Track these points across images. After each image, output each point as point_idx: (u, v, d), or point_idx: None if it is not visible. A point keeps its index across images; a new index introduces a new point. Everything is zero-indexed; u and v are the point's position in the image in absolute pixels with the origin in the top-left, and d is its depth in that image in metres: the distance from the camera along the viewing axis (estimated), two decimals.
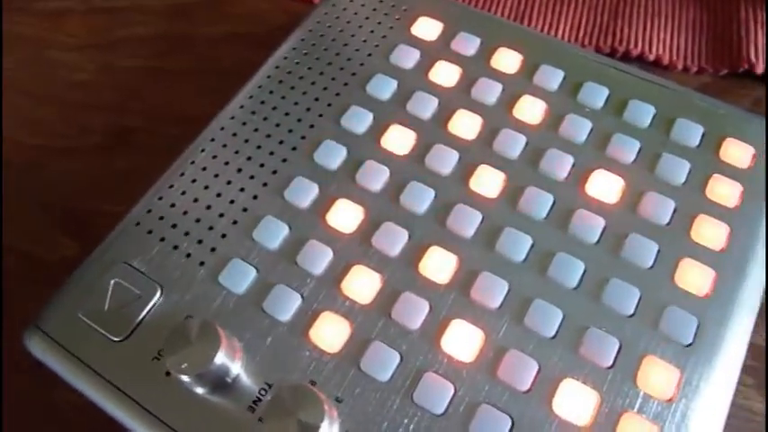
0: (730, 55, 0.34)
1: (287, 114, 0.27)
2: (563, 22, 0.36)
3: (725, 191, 0.24)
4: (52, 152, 0.33)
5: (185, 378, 0.20)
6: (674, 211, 0.24)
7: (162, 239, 0.24)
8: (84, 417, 0.26)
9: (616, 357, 0.21)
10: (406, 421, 0.20)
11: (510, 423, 0.20)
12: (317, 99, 0.27)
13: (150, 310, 0.22)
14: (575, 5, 0.36)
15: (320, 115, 0.26)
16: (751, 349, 0.26)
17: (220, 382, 0.21)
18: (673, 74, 0.34)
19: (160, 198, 0.25)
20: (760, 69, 0.33)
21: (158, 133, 0.33)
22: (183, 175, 0.25)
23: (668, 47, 0.34)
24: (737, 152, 0.25)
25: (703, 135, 0.26)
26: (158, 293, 0.23)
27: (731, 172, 0.25)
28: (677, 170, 0.25)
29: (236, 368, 0.21)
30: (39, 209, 0.31)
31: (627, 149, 0.25)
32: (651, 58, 0.34)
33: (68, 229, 0.30)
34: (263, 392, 0.21)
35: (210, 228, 0.24)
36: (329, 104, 0.27)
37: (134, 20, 0.37)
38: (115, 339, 0.22)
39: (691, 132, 0.25)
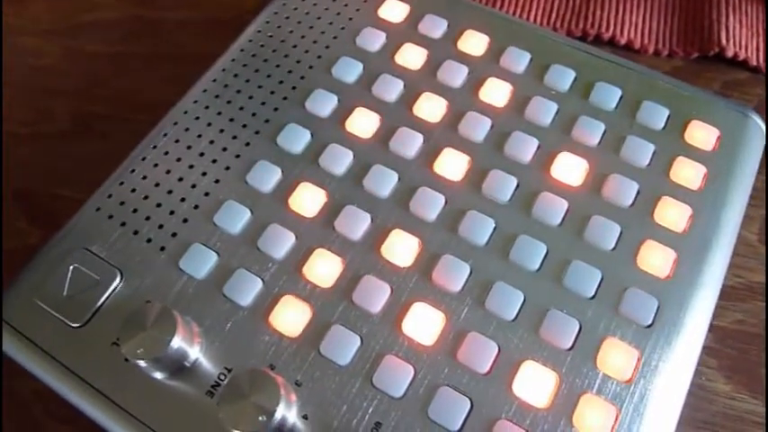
0: (701, 38, 0.34)
1: (250, 98, 0.26)
2: (536, 6, 0.35)
3: (689, 173, 0.24)
4: (15, 138, 0.32)
5: (142, 363, 0.20)
6: (638, 193, 0.24)
7: (122, 224, 0.24)
8: (45, 405, 0.26)
9: (576, 339, 0.21)
10: (365, 404, 0.20)
11: (469, 405, 0.20)
12: (281, 82, 0.27)
13: (109, 295, 0.22)
14: None
15: (284, 98, 0.26)
16: (715, 331, 0.27)
17: (178, 367, 0.20)
18: (644, 57, 0.34)
19: (121, 183, 0.24)
20: (730, 53, 0.33)
21: (122, 119, 0.32)
22: (144, 159, 0.25)
23: (640, 30, 0.34)
24: (702, 135, 0.25)
25: (669, 118, 0.25)
26: (118, 279, 0.22)
27: (695, 154, 0.25)
28: (642, 152, 0.25)
29: (195, 353, 0.21)
30: (1, 195, 0.31)
31: (592, 132, 0.25)
32: (623, 41, 0.34)
33: (32, 216, 0.30)
34: (222, 377, 0.21)
35: (172, 212, 0.24)
36: (293, 87, 0.26)
37: (99, 4, 0.37)
38: (74, 325, 0.22)
39: (656, 115, 0.25)
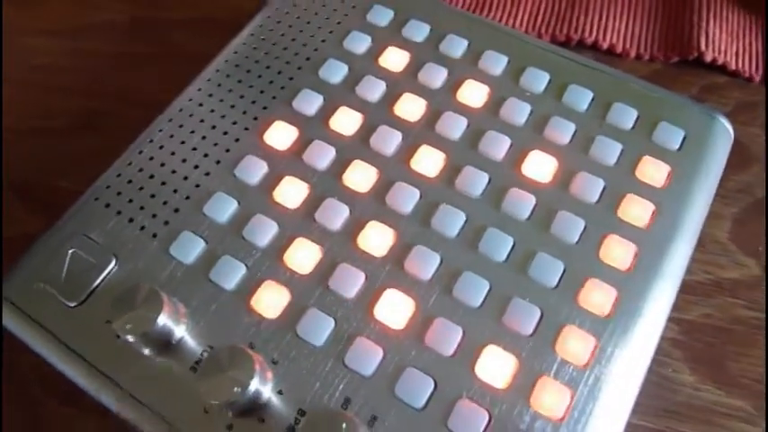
0: (681, 43, 0.35)
1: (242, 97, 0.28)
2: (522, 12, 0.37)
3: (653, 171, 0.25)
4: (15, 133, 0.34)
5: (131, 339, 0.21)
6: (604, 189, 0.25)
7: (118, 213, 0.25)
8: (45, 378, 0.27)
9: (537, 326, 0.22)
10: (336, 382, 0.22)
11: (433, 385, 0.21)
12: (271, 82, 0.28)
13: (105, 278, 0.24)
14: None
15: (273, 98, 0.28)
16: (682, 324, 0.28)
17: (165, 344, 0.22)
18: (626, 61, 0.35)
19: (119, 175, 0.26)
20: (709, 57, 0.34)
21: (123, 116, 0.34)
22: (141, 153, 0.27)
23: (622, 35, 0.36)
24: (669, 135, 0.26)
25: (638, 118, 0.27)
26: (113, 263, 0.24)
27: (661, 154, 0.26)
28: (609, 151, 0.26)
29: (181, 331, 0.22)
30: (3, 188, 0.33)
31: (563, 131, 0.26)
32: (605, 46, 0.35)
33: (30, 207, 0.32)
34: (205, 354, 0.22)
35: (165, 202, 0.25)
36: (282, 87, 0.28)
37: (101, 6, 0.39)
38: (71, 305, 0.23)
39: (625, 116, 0.27)
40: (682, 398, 0.26)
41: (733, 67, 0.34)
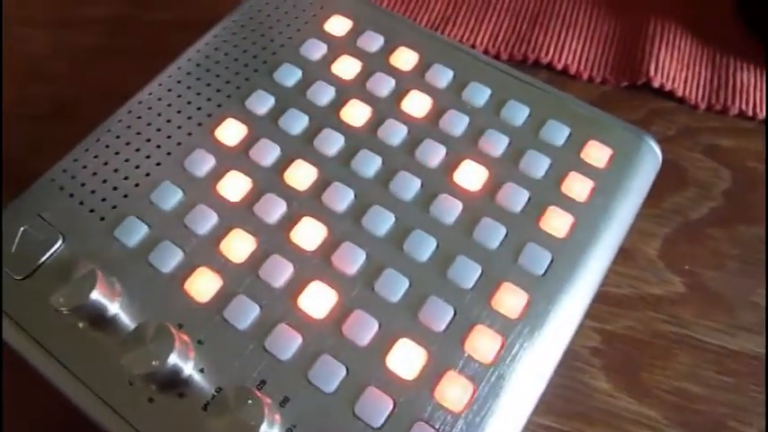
0: (632, 68, 0.36)
1: (198, 94, 0.29)
2: (483, 29, 0.38)
3: (578, 186, 0.27)
4: None
5: (65, 311, 0.23)
6: (528, 200, 0.26)
7: (71, 195, 0.27)
8: None
9: (449, 324, 0.24)
10: (255, 364, 0.23)
11: (345, 372, 0.23)
12: (228, 82, 0.30)
13: (51, 255, 0.25)
14: (497, 13, 0.39)
15: (228, 96, 0.29)
16: (604, 335, 0.29)
17: (98, 319, 0.23)
18: (578, 83, 0.37)
19: (75, 160, 0.28)
20: (657, 83, 0.35)
21: (100, 107, 0.36)
22: (98, 141, 0.28)
23: (578, 57, 0.37)
24: (597, 153, 0.28)
25: (570, 136, 0.28)
26: (60, 242, 0.26)
27: (587, 170, 0.27)
28: (538, 165, 0.27)
29: (114, 308, 0.24)
30: None
31: (496, 144, 0.28)
32: (559, 66, 0.37)
33: (9, 192, 0.34)
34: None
35: (115, 188, 0.27)
36: (238, 87, 0.30)
37: (91, 0, 0.41)
38: (17, 278, 0.25)
39: (557, 132, 0.28)
40: (595, 403, 0.27)
41: (680, 93, 0.36)
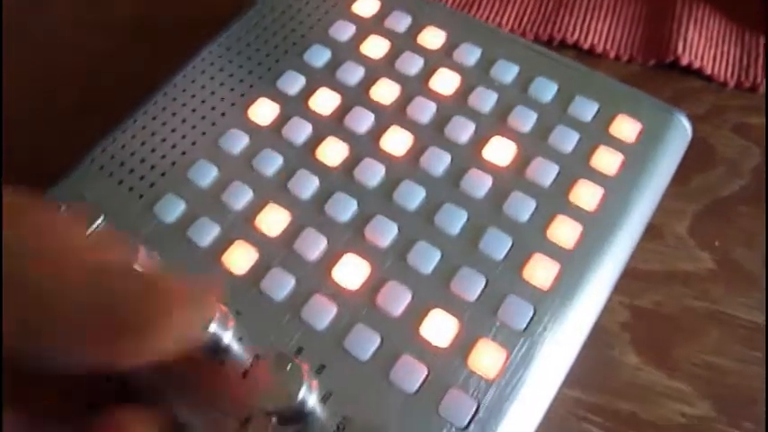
0: (659, 47, 0.36)
1: (231, 75, 0.30)
2: (509, 10, 0.38)
3: (607, 160, 0.27)
4: (23, 114, 0.37)
5: None
6: (558, 174, 0.27)
7: (110, 175, 0.28)
8: None
9: (481, 293, 0.24)
10: (291, 333, 0.24)
11: (380, 340, 0.23)
12: (259, 64, 0.30)
13: (92, 232, 0.26)
14: None
15: (260, 78, 0.30)
16: (633, 310, 0.29)
17: None
18: (605, 62, 0.37)
19: (114, 140, 0.29)
20: (685, 61, 0.35)
21: (128, 98, 0.36)
22: (135, 122, 0.29)
23: (604, 36, 0.37)
24: (626, 127, 0.28)
25: (598, 111, 0.28)
26: (101, 219, 0.27)
27: (617, 144, 0.27)
28: (567, 140, 0.27)
29: None
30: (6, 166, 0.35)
31: (525, 120, 0.28)
32: (586, 46, 0.37)
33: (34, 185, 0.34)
34: None
35: (152, 167, 0.28)
36: (269, 69, 0.30)
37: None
38: None
39: (586, 108, 0.28)
40: (624, 377, 0.28)
41: (708, 71, 0.35)
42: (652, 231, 0.31)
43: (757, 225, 0.31)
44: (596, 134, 0.28)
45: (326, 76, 0.30)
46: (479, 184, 0.26)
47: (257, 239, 0.26)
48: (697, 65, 0.35)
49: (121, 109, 0.30)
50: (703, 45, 0.36)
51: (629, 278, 0.30)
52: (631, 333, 0.29)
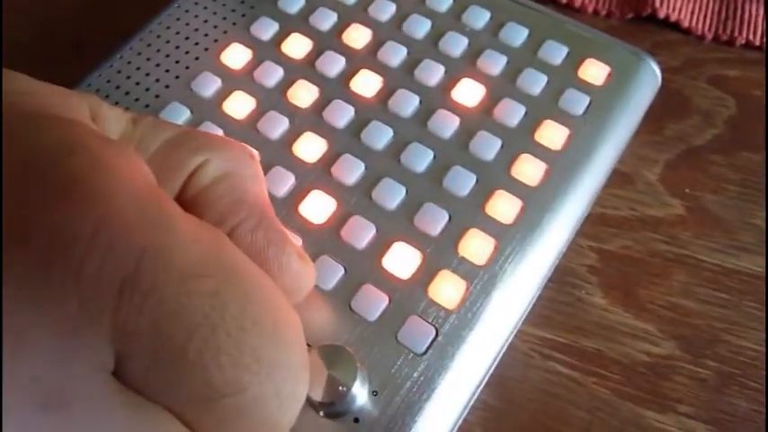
0: (637, 0, 0.36)
1: (205, 21, 0.30)
2: None
3: (574, 102, 0.27)
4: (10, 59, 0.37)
5: None
6: (525, 114, 0.27)
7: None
8: None
9: (444, 228, 0.24)
10: None
11: (343, 271, 0.24)
12: (233, 11, 0.31)
13: None
14: None
15: (234, 24, 0.30)
16: (601, 253, 0.29)
17: None
18: (584, 16, 0.37)
19: (89, 85, 0.29)
20: (662, 14, 0.35)
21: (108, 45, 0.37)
22: (111, 66, 0.29)
23: None
24: (595, 70, 0.28)
25: (567, 55, 0.28)
26: None
27: (584, 87, 0.28)
28: (535, 82, 0.28)
29: None
30: None
31: (494, 63, 0.28)
32: (564, 0, 0.37)
33: None
34: None
35: (126, 109, 0.28)
36: (243, 15, 0.31)
37: None
38: None
39: (555, 52, 0.28)
40: (591, 317, 0.28)
41: (686, 24, 0.35)
42: (623, 178, 0.31)
43: (728, 173, 0.31)
44: (565, 77, 0.28)
45: (299, 22, 0.30)
46: (447, 124, 0.27)
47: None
48: (674, 17, 0.35)
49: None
50: None
51: (599, 224, 0.30)
52: (599, 276, 0.29)
